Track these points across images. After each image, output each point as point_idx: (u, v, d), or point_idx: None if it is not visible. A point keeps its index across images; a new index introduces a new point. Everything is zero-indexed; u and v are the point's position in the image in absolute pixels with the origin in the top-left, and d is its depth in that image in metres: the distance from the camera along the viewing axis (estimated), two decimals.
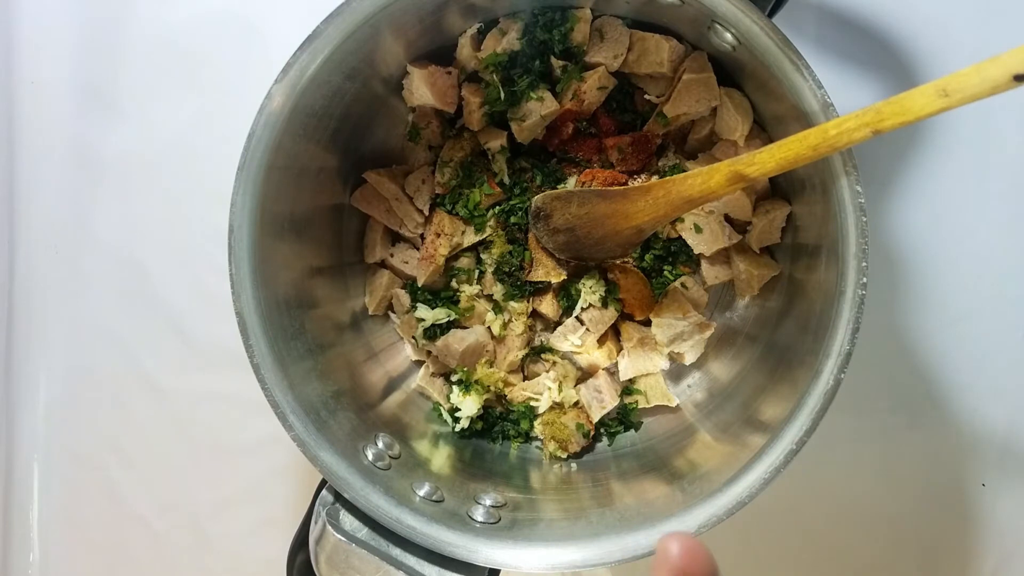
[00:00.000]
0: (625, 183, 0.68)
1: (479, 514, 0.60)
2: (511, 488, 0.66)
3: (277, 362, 0.58)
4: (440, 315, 0.71)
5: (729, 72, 0.64)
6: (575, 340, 0.71)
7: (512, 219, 0.70)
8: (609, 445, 0.73)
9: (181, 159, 0.80)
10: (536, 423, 0.72)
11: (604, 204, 0.63)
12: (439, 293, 0.72)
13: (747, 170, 0.52)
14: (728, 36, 0.55)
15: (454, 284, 0.72)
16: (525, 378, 0.74)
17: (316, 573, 0.56)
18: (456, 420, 0.71)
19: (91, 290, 0.82)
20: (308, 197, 0.64)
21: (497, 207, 0.70)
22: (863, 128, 0.46)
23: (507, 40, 0.64)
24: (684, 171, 0.63)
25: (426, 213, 0.71)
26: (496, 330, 0.72)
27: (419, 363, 0.75)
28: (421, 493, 0.60)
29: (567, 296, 0.71)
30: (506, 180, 0.70)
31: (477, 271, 0.72)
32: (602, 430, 0.72)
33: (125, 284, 0.82)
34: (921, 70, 0.69)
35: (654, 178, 0.68)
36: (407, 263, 0.72)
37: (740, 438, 0.60)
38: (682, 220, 0.68)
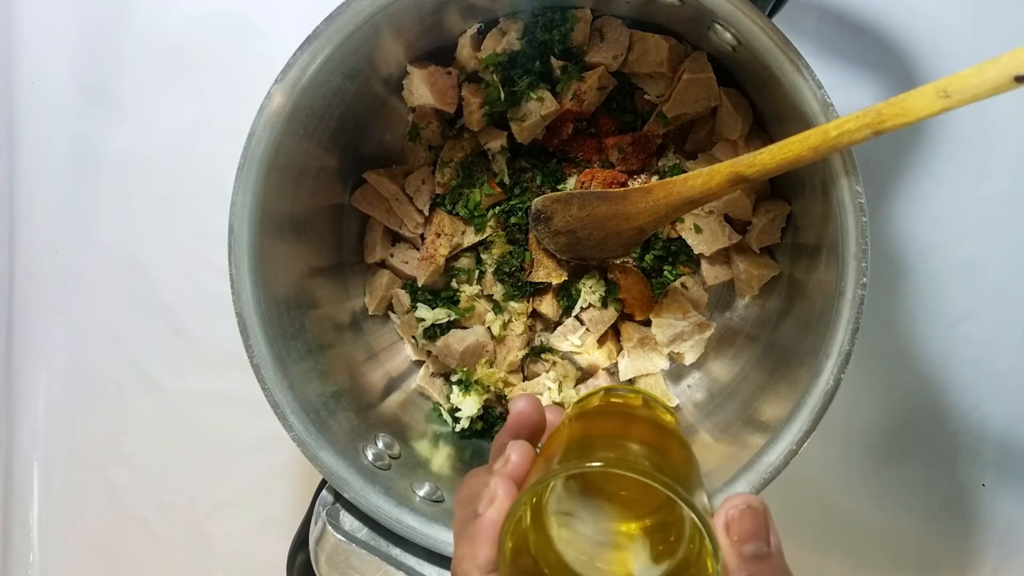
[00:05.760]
0: (625, 183, 0.68)
1: None
2: None
3: (277, 362, 0.58)
4: (440, 315, 0.71)
5: (729, 72, 0.64)
6: (575, 340, 0.71)
7: (512, 219, 0.70)
8: None
9: (181, 159, 0.80)
10: None
11: (605, 206, 0.63)
12: (439, 293, 0.72)
13: (748, 171, 0.52)
14: (728, 36, 0.55)
15: (454, 284, 0.72)
16: (525, 378, 0.74)
17: (316, 573, 0.56)
18: (456, 420, 0.71)
19: (91, 290, 0.82)
20: (308, 197, 0.64)
21: (497, 207, 0.70)
22: (864, 129, 0.46)
23: (507, 40, 0.64)
24: (684, 171, 0.63)
25: (426, 213, 0.71)
26: (496, 330, 0.72)
27: (419, 363, 0.75)
28: (421, 493, 0.60)
29: (567, 296, 0.71)
30: (506, 180, 0.70)
31: (477, 271, 0.72)
32: None
33: (125, 284, 0.82)
34: (921, 70, 0.69)
35: (654, 178, 0.68)
36: (407, 263, 0.72)
37: (740, 438, 0.60)
38: (682, 220, 0.68)
